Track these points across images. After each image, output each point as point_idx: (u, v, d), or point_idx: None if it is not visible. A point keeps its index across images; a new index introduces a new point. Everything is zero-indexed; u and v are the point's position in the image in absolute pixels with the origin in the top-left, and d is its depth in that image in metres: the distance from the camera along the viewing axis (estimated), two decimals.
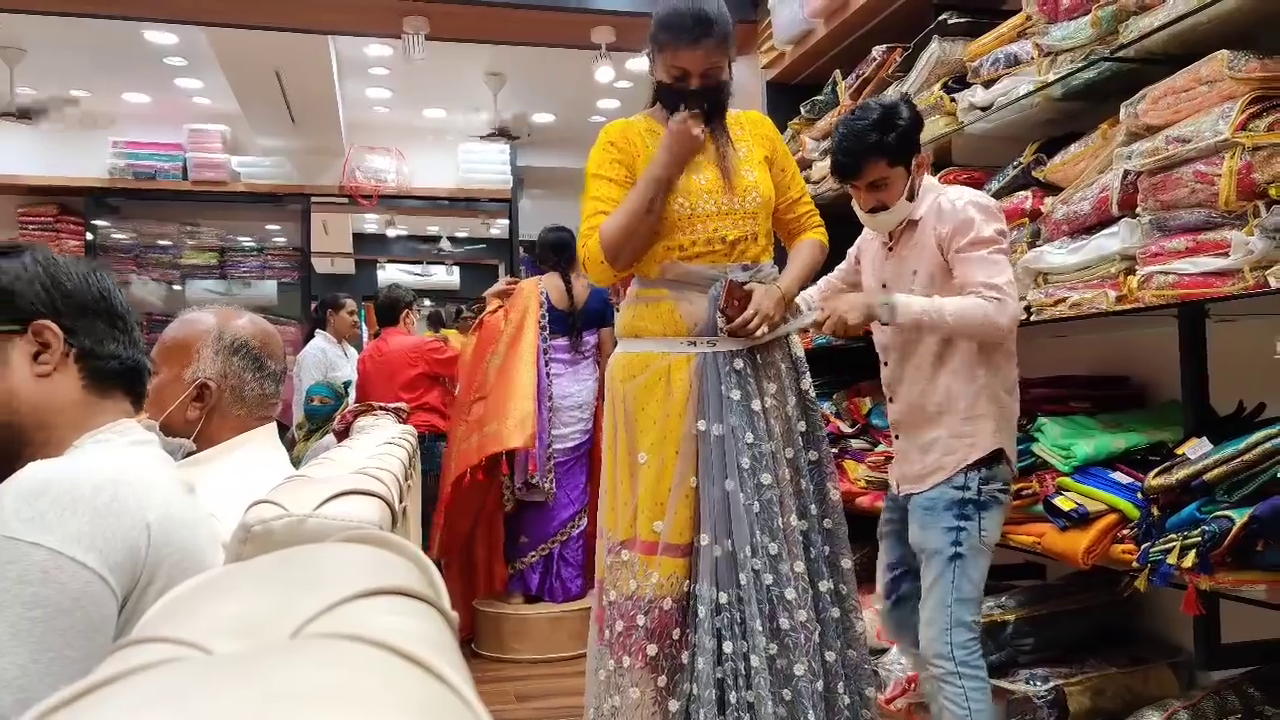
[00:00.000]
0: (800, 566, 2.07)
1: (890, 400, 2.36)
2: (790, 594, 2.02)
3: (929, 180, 2.31)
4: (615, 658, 2.11)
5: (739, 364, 2.10)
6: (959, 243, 2.14)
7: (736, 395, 2.08)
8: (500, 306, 4.14)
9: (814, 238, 2.34)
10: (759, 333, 2.11)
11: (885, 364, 2.36)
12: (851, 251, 2.58)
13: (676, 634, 2.09)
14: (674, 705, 2.07)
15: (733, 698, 1.98)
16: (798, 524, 2.12)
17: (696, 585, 2.05)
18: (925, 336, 2.23)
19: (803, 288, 2.29)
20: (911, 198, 2.25)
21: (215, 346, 1.61)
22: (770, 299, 2.12)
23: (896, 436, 2.34)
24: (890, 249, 2.34)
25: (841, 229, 2.48)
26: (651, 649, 2.09)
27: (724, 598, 2.01)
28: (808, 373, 2.24)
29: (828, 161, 3.52)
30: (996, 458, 2.19)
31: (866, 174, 2.20)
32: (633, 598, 2.11)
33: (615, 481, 2.21)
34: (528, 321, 4.04)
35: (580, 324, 4.18)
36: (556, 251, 4.21)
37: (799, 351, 2.24)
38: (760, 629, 1.97)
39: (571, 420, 4.13)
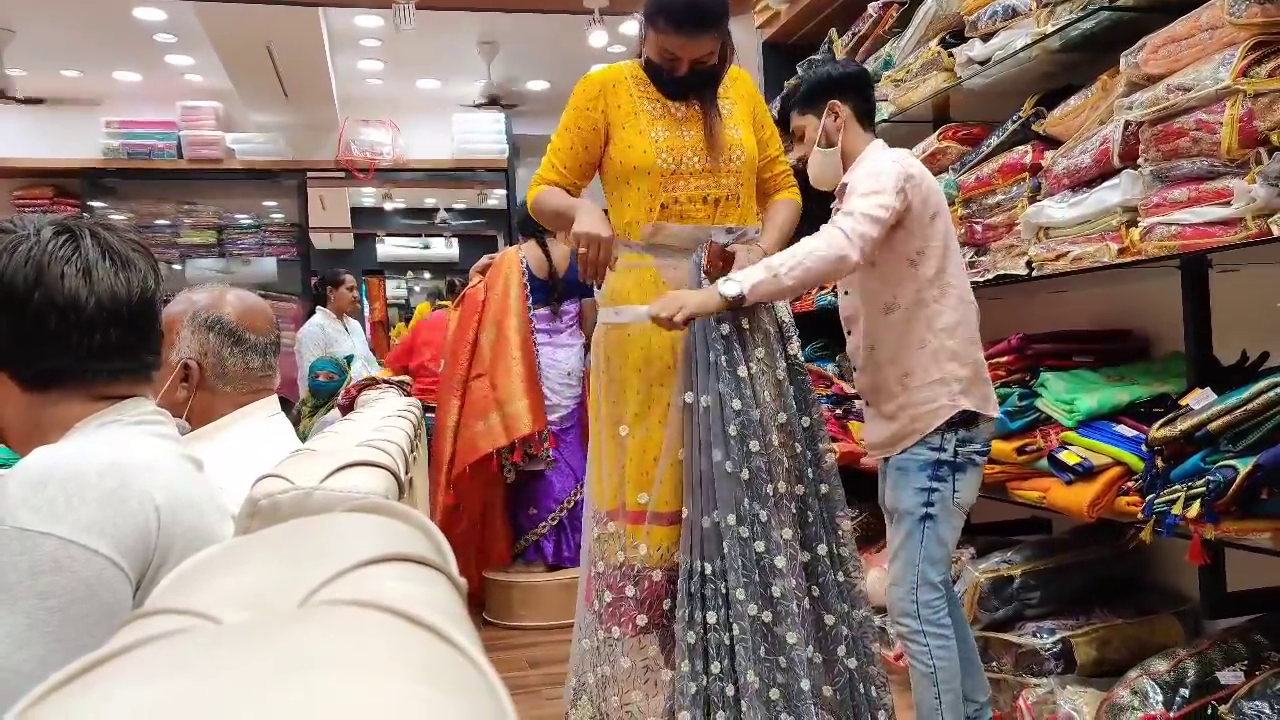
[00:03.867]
0: (789, 534, 2.06)
1: (855, 370, 2.35)
2: (780, 561, 2.02)
3: (872, 150, 2.23)
4: (605, 628, 2.12)
5: (725, 329, 2.08)
6: (847, 192, 2.13)
7: (723, 361, 2.06)
8: (480, 280, 4.12)
9: (789, 197, 2.34)
10: None
11: (849, 333, 2.33)
12: None
13: (667, 604, 2.09)
14: (666, 675, 2.09)
15: (715, 668, 1.99)
16: (794, 489, 2.12)
17: (681, 556, 2.06)
18: (867, 310, 2.21)
19: (783, 248, 2.23)
20: (829, 144, 2.26)
21: (191, 325, 1.61)
22: (754, 260, 2.11)
23: (867, 404, 2.31)
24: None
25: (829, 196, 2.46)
26: (641, 619, 2.09)
27: (709, 568, 2.01)
28: (795, 337, 2.22)
29: None
30: (974, 418, 2.14)
31: (792, 124, 2.35)
32: (621, 568, 2.12)
33: (600, 452, 2.21)
34: (512, 292, 4.01)
35: (560, 292, 4.16)
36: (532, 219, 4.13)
37: (786, 316, 2.23)
38: (743, 598, 1.97)
39: (561, 388, 4.13)
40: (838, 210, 2.15)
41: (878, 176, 2.07)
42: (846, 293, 2.31)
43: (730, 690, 1.97)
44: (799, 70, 3.74)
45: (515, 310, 3.98)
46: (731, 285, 1.95)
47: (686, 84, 2.16)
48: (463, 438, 3.94)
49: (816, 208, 2.40)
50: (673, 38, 2.08)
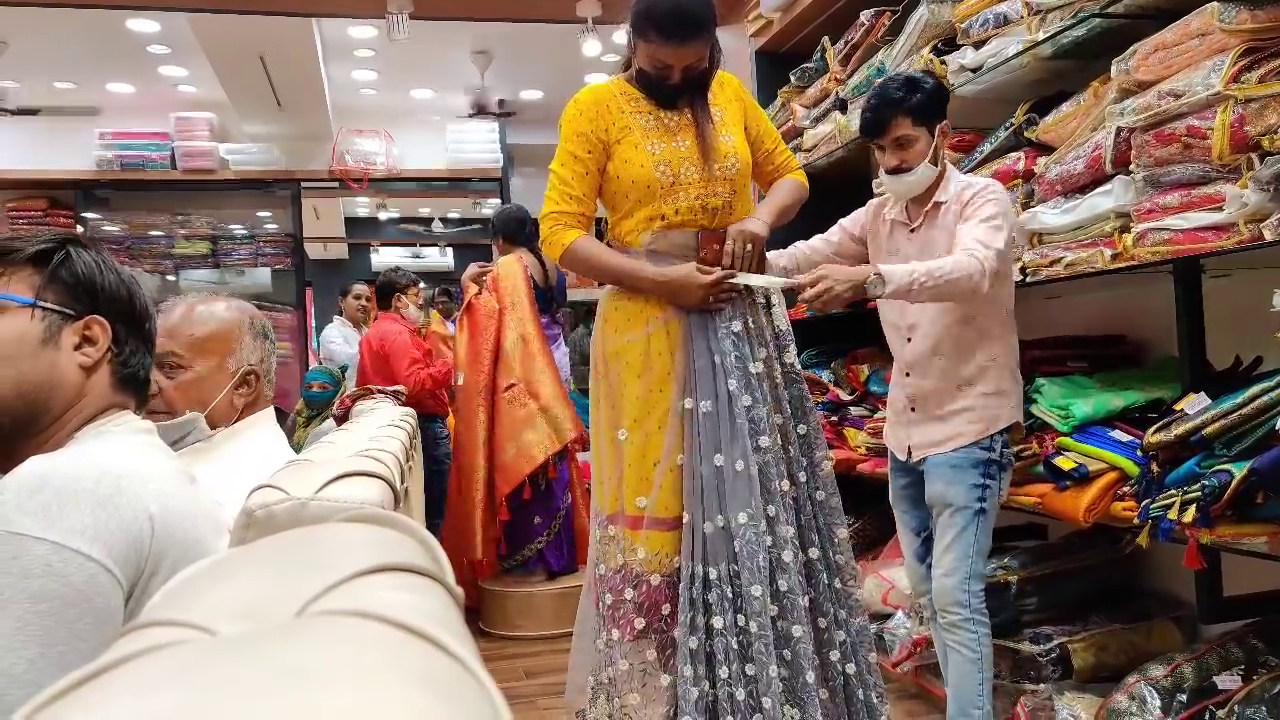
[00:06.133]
0: (792, 531, 2.09)
1: (906, 374, 2.37)
2: (786, 555, 2.05)
3: (955, 171, 2.35)
4: (606, 630, 2.13)
5: (736, 326, 2.11)
6: (968, 212, 2.20)
7: (733, 359, 2.08)
8: (481, 289, 4.12)
9: (795, 178, 2.35)
10: (744, 251, 2.12)
11: (909, 340, 2.37)
12: (844, 224, 2.57)
13: (666, 609, 2.09)
14: (665, 680, 2.09)
15: (724, 672, 1.98)
16: (789, 489, 2.14)
17: (683, 562, 2.06)
18: (943, 319, 2.27)
19: (781, 220, 2.27)
20: (935, 163, 2.28)
21: (251, 333, 1.67)
22: (746, 227, 2.14)
23: (912, 409, 2.35)
24: (914, 230, 2.34)
25: (832, 197, 2.47)
26: (639, 622, 2.10)
27: (713, 573, 2.01)
28: (792, 346, 2.24)
29: (820, 129, 3.53)
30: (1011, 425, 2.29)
31: (891, 130, 2.27)
32: (621, 571, 2.13)
33: (601, 456, 2.22)
34: (525, 300, 4.03)
35: (557, 299, 4.21)
36: (522, 228, 4.18)
37: (783, 325, 2.24)
38: (759, 594, 1.98)
39: None
40: (910, 225, 2.34)
41: (1004, 213, 2.20)
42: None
43: (740, 694, 1.97)
44: (792, 79, 3.75)
45: (532, 318, 4.01)
46: (878, 283, 2.05)
47: (679, 91, 2.17)
48: (515, 450, 3.94)
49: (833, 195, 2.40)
50: (663, 48, 2.09)
